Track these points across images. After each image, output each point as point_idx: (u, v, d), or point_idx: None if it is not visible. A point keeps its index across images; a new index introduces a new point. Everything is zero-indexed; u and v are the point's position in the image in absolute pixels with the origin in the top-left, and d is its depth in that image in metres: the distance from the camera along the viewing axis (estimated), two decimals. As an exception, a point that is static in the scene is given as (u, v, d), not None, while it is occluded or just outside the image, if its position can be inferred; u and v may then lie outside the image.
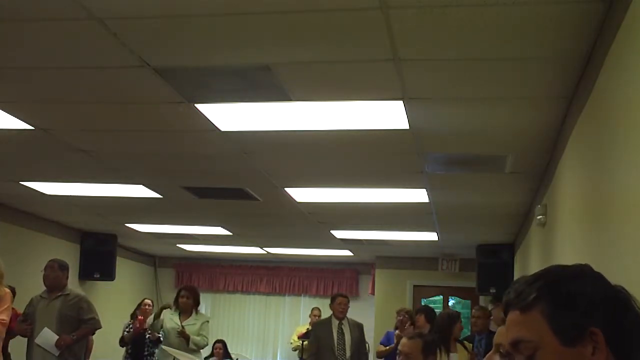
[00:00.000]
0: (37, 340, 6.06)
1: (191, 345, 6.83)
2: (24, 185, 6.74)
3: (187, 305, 7.06)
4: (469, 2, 2.68)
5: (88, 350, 7.48)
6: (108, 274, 10.16)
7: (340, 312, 7.17)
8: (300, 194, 6.58)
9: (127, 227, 9.31)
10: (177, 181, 6.33)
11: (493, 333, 6.57)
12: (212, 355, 9.63)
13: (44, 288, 6.27)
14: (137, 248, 11.77)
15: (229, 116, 4.28)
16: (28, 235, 8.71)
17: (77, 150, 5.24)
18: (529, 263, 6.64)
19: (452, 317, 6.00)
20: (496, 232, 8.42)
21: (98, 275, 10.08)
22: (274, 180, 6.01)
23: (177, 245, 11.12)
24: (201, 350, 7.26)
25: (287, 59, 3.33)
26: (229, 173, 5.88)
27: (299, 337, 9.55)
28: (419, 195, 6.34)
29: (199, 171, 5.87)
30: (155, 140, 4.95)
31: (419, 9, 2.75)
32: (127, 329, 8.61)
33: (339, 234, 9.01)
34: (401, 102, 3.83)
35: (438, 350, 5.25)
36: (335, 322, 7.18)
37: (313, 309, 10.56)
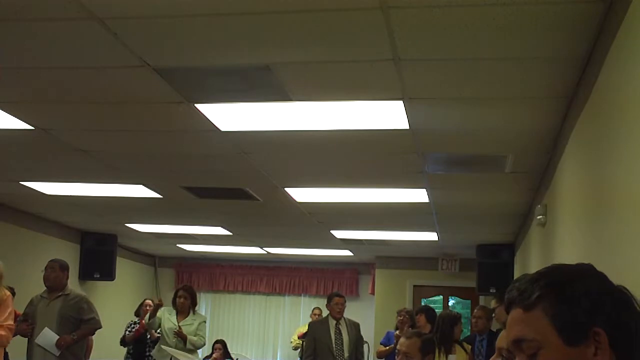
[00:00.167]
0: (38, 340, 6.07)
1: (188, 346, 6.83)
2: (24, 185, 6.74)
3: (185, 305, 7.07)
4: (469, 2, 2.68)
5: (88, 350, 7.48)
6: (108, 274, 10.16)
7: (337, 313, 7.14)
8: (300, 194, 6.59)
9: (127, 227, 9.32)
10: (177, 181, 6.33)
11: (494, 333, 6.58)
12: (211, 355, 9.62)
13: (44, 288, 6.27)
14: (137, 248, 11.77)
15: (229, 116, 4.28)
16: (28, 235, 8.71)
17: (77, 150, 5.24)
18: (529, 263, 6.64)
19: (453, 319, 6.00)
20: (496, 232, 8.42)
21: (98, 275, 10.08)
22: (274, 180, 6.01)
23: (177, 245, 11.13)
24: (199, 350, 7.26)
25: (287, 59, 3.33)
26: (229, 173, 5.88)
27: (299, 337, 9.55)
28: (419, 195, 6.34)
29: (199, 171, 5.87)
30: (155, 140, 4.95)
31: (419, 9, 2.75)
32: (129, 329, 8.61)
33: (339, 234, 9.01)
34: (401, 102, 3.83)
35: (437, 351, 5.26)
36: (332, 322, 7.16)
37: (314, 308, 10.56)
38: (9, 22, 3.04)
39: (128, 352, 8.58)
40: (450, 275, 10.79)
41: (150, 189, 6.63)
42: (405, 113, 4.00)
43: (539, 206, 5.28)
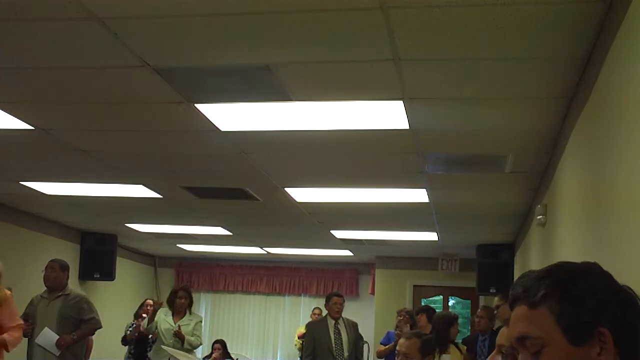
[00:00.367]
0: (38, 340, 6.07)
1: (186, 346, 6.83)
2: (24, 185, 6.74)
3: (184, 306, 7.10)
4: (469, 2, 2.68)
5: (88, 350, 7.48)
6: (108, 274, 10.16)
7: (336, 312, 7.15)
8: (300, 194, 6.59)
9: (127, 227, 9.32)
10: (177, 181, 6.33)
11: (496, 333, 6.58)
12: (211, 355, 9.61)
13: (44, 288, 6.27)
14: (137, 248, 11.77)
15: (229, 116, 4.28)
16: (28, 235, 8.71)
17: (77, 150, 5.24)
18: (529, 263, 6.64)
19: (449, 320, 6.03)
20: (496, 232, 8.42)
21: (98, 275, 10.09)
22: (274, 180, 6.01)
23: (177, 245, 11.13)
24: (198, 350, 7.26)
25: (287, 59, 3.33)
26: (229, 173, 5.88)
27: (299, 337, 9.55)
28: (419, 195, 6.34)
29: (199, 171, 5.87)
30: (155, 140, 4.95)
31: (419, 9, 2.75)
32: (129, 329, 8.61)
33: (339, 234, 9.01)
34: (401, 102, 3.83)
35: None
36: (331, 322, 7.17)
37: (314, 308, 10.57)
38: (9, 22, 3.04)
39: (129, 352, 8.58)
40: (450, 275, 10.79)
41: (150, 189, 6.63)
42: (405, 113, 4.00)
43: (539, 206, 5.28)
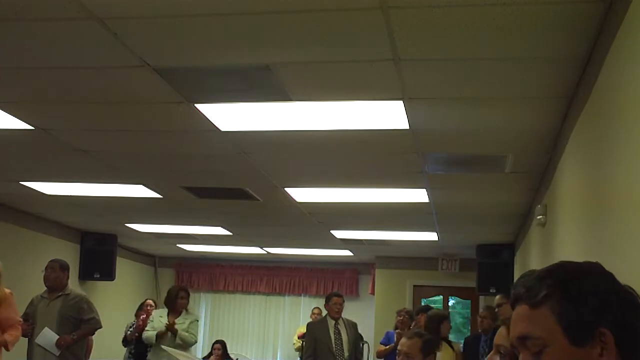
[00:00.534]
0: (38, 340, 6.07)
1: (177, 341, 6.80)
2: (24, 185, 6.74)
3: (184, 305, 7.11)
4: (469, 2, 2.68)
5: (88, 350, 7.48)
6: (108, 274, 10.16)
7: (336, 312, 7.16)
8: (300, 194, 6.59)
9: (127, 227, 9.32)
10: (177, 181, 6.33)
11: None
12: (210, 355, 9.62)
13: (44, 288, 6.28)
14: (137, 248, 11.77)
15: (229, 116, 4.28)
16: (28, 235, 8.71)
17: (77, 150, 5.25)
18: (529, 263, 6.64)
19: (440, 317, 6.09)
20: (496, 232, 8.42)
21: (98, 275, 10.09)
22: (274, 180, 6.01)
23: (177, 245, 11.13)
24: (194, 348, 7.24)
25: (287, 59, 3.33)
26: (229, 173, 5.88)
27: (299, 337, 9.56)
28: (419, 195, 6.34)
29: (199, 171, 5.87)
30: (155, 140, 4.95)
31: (419, 9, 2.75)
32: (130, 329, 8.61)
33: (339, 234, 9.01)
34: (401, 102, 3.83)
35: None
36: (331, 322, 7.18)
37: (314, 308, 10.57)
38: (9, 22, 3.04)
39: (130, 352, 8.57)
40: (450, 275, 10.79)
41: (150, 189, 6.63)
42: (405, 113, 4.00)
43: (539, 206, 5.28)
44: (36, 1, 2.82)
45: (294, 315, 12.51)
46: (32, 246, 8.71)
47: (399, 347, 3.71)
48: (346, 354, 7.07)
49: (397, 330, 7.50)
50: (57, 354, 6.06)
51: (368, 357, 9.14)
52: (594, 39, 2.91)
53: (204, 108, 4.11)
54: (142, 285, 12.29)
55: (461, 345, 7.15)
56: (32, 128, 4.69)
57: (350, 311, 7.51)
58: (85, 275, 10.02)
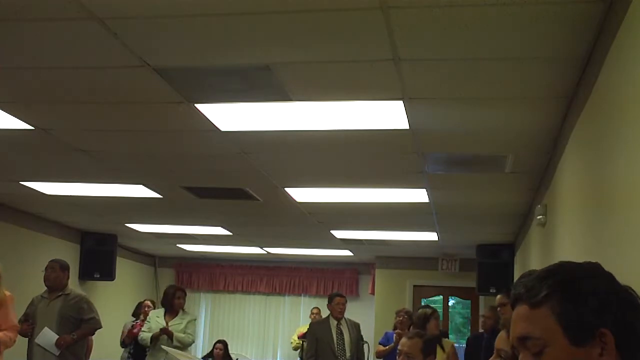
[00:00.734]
0: (38, 340, 6.07)
1: (175, 343, 6.81)
2: (24, 185, 6.74)
3: (181, 305, 7.12)
4: (469, 2, 2.68)
5: (88, 350, 7.48)
6: (108, 274, 10.16)
7: (338, 313, 7.17)
8: (300, 194, 6.59)
9: (127, 227, 9.32)
10: (177, 181, 6.33)
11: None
12: (211, 355, 9.61)
13: (44, 288, 6.28)
14: (137, 248, 11.77)
15: (229, 116, 4.28)
16: (28, 235, 8.71)
17: (77, 150, 5.25)
18: (529, 263, 6.64)
19: (426, 316, 6.11)
20: (496, 232, 8.42)
21: (98, 275, 10.09)
22: (274, 180, 6.01)
23: (177, 245, 11.13)
24: (190, 348, 7.24)
25: (287, 59, 3.33)
26: (229, 173, 5.88)
27: (299, 337, 9.55)
28: (419, 195, 6.34)
29: (199, 171, 5.87)
30: (155, 140, 4.95)
31: (419, 9, 2.75)
32: (128, 330, 8.60)
33: (339, 234, 9.01)
34: (401, 102, 3.83)
35: None
36: (333, 323, 7.18)
37: (313, 308, 10.57)
38: (9, 22, 3.04)
39: (129, 353, 8.57)
40: (450, 275, 10.79)
41: (150, 189, 6.63)
42: (405, 113, 4.00)
43: (539, 206, 5.28)
44: (36, 1, 2.82)
45: (294, 315, 12.51)
46: (32, 246, 8.71)
47: (399, 347, 3.71)
48: (348, 354, 7.07)
49: (396, 331, 7.50)
50: (57, 353, 6.06)
51: (368, 357, 9.14)
52: (594, 39, 2.91)
53: (204, 108, 4.11)
54: (142, 285, 12.29)
55: (456, 344, 7.15)
56: (32, 128, 4.69)
57: (350, 311, 7.51)
58: (85, 275, 10.02)
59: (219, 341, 9.61)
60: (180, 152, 5.28)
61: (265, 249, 11.01)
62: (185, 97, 3.93)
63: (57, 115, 4.49)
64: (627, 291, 1.26)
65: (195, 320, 7.36)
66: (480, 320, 7.23)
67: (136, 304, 9.54)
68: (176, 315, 7.06)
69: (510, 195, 6.25)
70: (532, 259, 6.46)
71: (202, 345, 12.30)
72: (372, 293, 11.66)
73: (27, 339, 6.20)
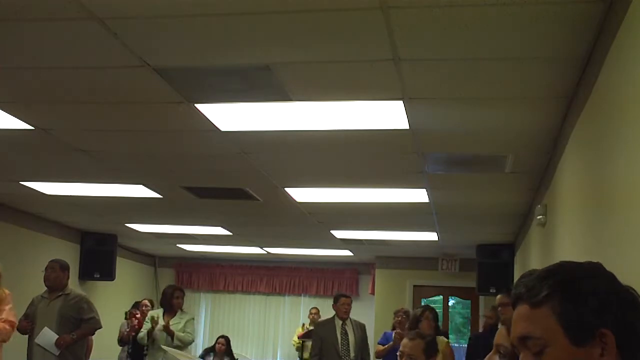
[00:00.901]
0: (37, 340, 6.07)
1: (175, 342, 6.82)
2: (24, 185, 6.74)
3: (180, 305, 7.13)
4: (469, 2, 2.68)
5: (88, 350, 7.48)
6: (108, 274, 10.16)
7: (344, 313, 7.20)
8: (300, 194, 6.59)
9: (127, 227, 9.32)
10: (177, 181, 6.33)
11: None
12: (213, 349, 9.57)
13: (44, 288, 6.28)
14: (137, 248, 11.77)
15: (229, 116, 4.28)
16: (28, 235, 8.71)
17: (77, 150, 5.24)
18: (529, 263, 6.64)
19: (417, 317, 6.15)
20: (496, 232, 8.42)
21: (98, 275, 10.09)
22: (274, 180, 6.01)
23: (177, 245, 11.13)
24: (190, 348, 7.26)
25: (287, 59, 3.33)
26: (229, 173, 5.88)
27: (299, 337, 9.56)
28: (419, 195, 6.34)
29: (199, 171, 5.87)
30: (155, 140, 4.95)
31: (419, 9, 2.75)
32: (127, 329, 8.59)
33: (339, 234, 9.01)
34: (401, 102, 3.83)
35: None
36: (338, 323, 7.20)
37: (311, 308, 10.59)
38: (9, 22, 3.04)
39: (127, 352, 8.56)
40: (450, 275, 10.79)
41: (150, 189, 6.63)
42: (405, 113, 4.00)
43: (539, 206, 5.28)
44: (36, 1, 2.82)
45: (294, 315, 12.51)
46: (32, 246, 8.71)
47: (401, 349, 3.70)
48: (352, 354, 7.08)
49: (396, 330, 7.50)
50: (57, 353, 6.06)
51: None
52: (594, 39, 2.91)
53: (204, 108, 4.11)
54: (142, 285, 12.29)
55: (456, 344, 7.16)
56: (32, 128, 4.69)
57: (351, 311, 7.51)
58: (85, 275, 10.02)
59: (222, 336, 9.58)
60: (180, 152, 5.27)
61: (265, 249, 11.01)
62: (185, 97, 3.93)
63: (57, 115, 4.49)
64: (628, 291, 1.25)
65: (193, 319, 7.38)
66: (482, 320, 7.23)
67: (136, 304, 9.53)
68: (175, 315, 7.07)
69: (510, 195, 6.25)
70: (532, 259, 6.46)
71: (202, 346, 12.29)
72: (372, 293, 11.66)
73: (27, 339, 6.21)
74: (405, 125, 4.24)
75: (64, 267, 6.29)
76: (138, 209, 7.87)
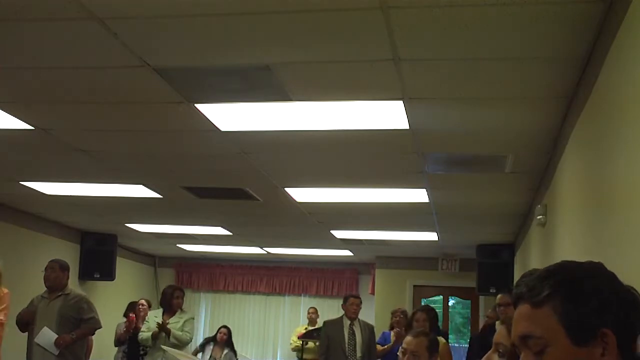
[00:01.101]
0: (37, 340, 6.07)
1: (172, 340, 6.82)
2: (24, 185, 6.74)
3: (180, 305, 7.15)
4: (469, 2, 2.68)
5: (88, 350, 7.48)
6: (108, 274, 10.16)
7: (353, 313, 7.24)
8: (300, 194, 6.58)
9: (127, 227, 9.31)
10: (177, 181, 6.33)
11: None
12: (214, 338, 9.55)
13: (44, 288, 6.28)
14: (137, 248, 11.77)
15: (229, 116, 4.28)
16: (28, 235, 8.71)
17: (77, 150, 5.24)
18: (529, 263, 6.64)
19: (410, 318, 6.15)
20: (496, 232, 8.42)
21: (98, 275, 10.09)
22: (274, 180, 6.01)
23: (177, 245, 11.13)
24: (189, 347, 7.26)
25: (287, 59, 3.33)
26: (229, 173, 5.88)
27: (298, 338, 9.56)
28: (419, 195, 6.34)
29: (199, 171, 5.87)
30: (155, 140, 4.95)
31: (419, 9, 2.75)
32: (123, 329, 8.58)
33: (339, 234, 9.01)
34: (401, 102, 3.83)
35: None
36: (346, 322, 7.23)
37: (310, 308, 10.60)
38: (9, 22, 3.04)
39: (123, 352, 8.55)
40: (450, 275, 10.79)
41: (150, 189, 6.63)
42: (405, 113, 4.00)
43: (539, 206, 5.28)
44: (36, 1, 2.82)
45: (294, 315, 12.52)
46: (32, 246, 8.71)
47: (404, 346, 3.69)
48: (359, 354, 7.10)
49: (395, 330, 7.51)
50: (56, 353, 6.06)
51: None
52: (594, 39, 2.91)
53: (204, 108, 4.11)
54: (142, 285, 12.29)
55: (456, 344, 7.17)
56: (32, 128, 4.69)
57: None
58: (85, 275, 10.02)
59: (224, 326, 9.55)
60: (180, 152, 5.28)
61: (265, 249, 11.01)
62: (185, 97, 3.93)
63: (57, 115, 4.49)
64: (629, 291, 1.25)
65: (192, 319, 7.38)
66: (484, 320, 7.24)
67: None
68: (174, 314, 7.08)
69: (510, 195, 6.25)
70: (532, 259, 6.46)
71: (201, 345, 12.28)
72: (372, 293, 11.66)
73: (26, 339, 6.21)
74: (405, 125, 4.24)
75: (64, 267, 6.29)
76: (138, 209, 7.87)
